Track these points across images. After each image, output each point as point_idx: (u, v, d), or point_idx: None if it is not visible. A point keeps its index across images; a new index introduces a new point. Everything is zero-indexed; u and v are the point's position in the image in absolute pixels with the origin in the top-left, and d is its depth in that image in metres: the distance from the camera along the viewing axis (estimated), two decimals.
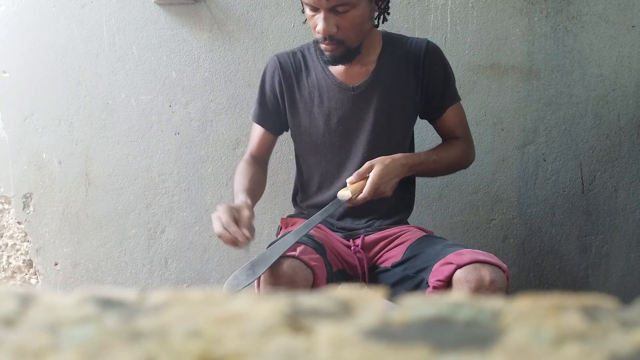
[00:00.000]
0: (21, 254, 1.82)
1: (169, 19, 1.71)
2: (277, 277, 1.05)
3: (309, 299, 0.33)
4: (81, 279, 1.80)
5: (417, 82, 1.30)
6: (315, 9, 1.18)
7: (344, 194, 1.18)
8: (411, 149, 1.40)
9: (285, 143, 1.47)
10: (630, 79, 1.67)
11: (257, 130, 1.39)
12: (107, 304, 0.33)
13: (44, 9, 1.73)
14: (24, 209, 1.79)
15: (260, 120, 1.38)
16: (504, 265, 1.07)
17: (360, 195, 1.16)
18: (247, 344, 0.28)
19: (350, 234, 1.32)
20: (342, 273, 1.26)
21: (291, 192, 1.47)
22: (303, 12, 1.25)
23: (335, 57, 1.23)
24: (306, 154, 1.37)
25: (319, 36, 1.20)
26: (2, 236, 1.82)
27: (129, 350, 0.27)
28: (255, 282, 1.09)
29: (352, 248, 1.28)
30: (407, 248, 1.22)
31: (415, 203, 1.42)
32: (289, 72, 1.34)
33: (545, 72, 1.67)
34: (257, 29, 1.69)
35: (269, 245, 1.19)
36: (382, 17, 1.32)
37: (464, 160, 1.35)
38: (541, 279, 1.74)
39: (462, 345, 0.27)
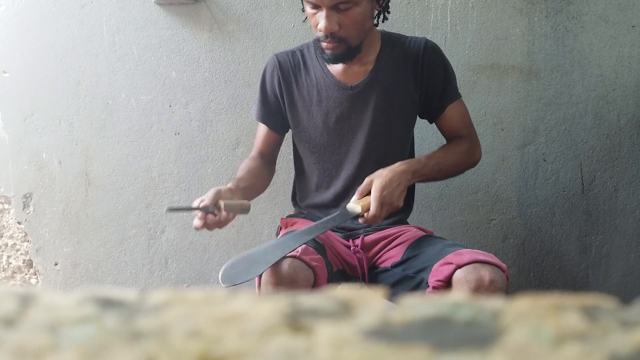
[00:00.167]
0: (21, 254, 1.82)
1: (169, 19, 1.71)
2: (278, 277, 1.05)
3: (309, 299, 0.33)
4: (81, 279, 1.80)
5: (416, 81, 1.30)
6: (316, 7, 1.18)
7: (354, 207, 1.16)
8: (412, 151, 1.39)
9: (285, 143, 1.48)
10: (630, 79, 1.67)
11: (262, 129, 1.41)
12: (107, 304, 0.33)
13: (44, 9, 1.73)
14: (24, 209, 1.79)
15: (263, 119, 1.39)
16: (504, 265, 1.07)
17: (370, 213, 1.13)
18: (247, 344, 0.28)
19: (349, 234, 1.32)
20: (342, 273, 1.26)
21: (291, 192, 1.48)
22: (303, 10, 1.25)
23: (336, 56, 1.23)
24: (305, 152, 1.37)
25: (320, 34, 1.20)
26: (2, 236, 1.82)
27: (129, 350, 0.27)
28: (256, 281, 1.09)
29: (351, 248, 1.28)
30: (407, 248, 1.22)
31: (415, 203, 1.42)
32: (288, 71, 1.34)
33: (545, 72, 1.67)
34: (257, 29, 1.69)
35: None
36: (382, 16, 1.32)
37: (470, 159, 1.32)
38: (541, 279, 1.74)
39: (462, 345, 0.27)
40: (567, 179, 1.71)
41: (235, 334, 0.29)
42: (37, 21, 1.74)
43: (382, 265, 1.26)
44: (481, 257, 1.06)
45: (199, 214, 1.10)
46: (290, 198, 1.48)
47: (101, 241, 1.78)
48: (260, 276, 1.07)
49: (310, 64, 1.34)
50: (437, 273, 1.09)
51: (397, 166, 1.19)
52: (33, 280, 1.83)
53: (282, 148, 1.48)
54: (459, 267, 1.06)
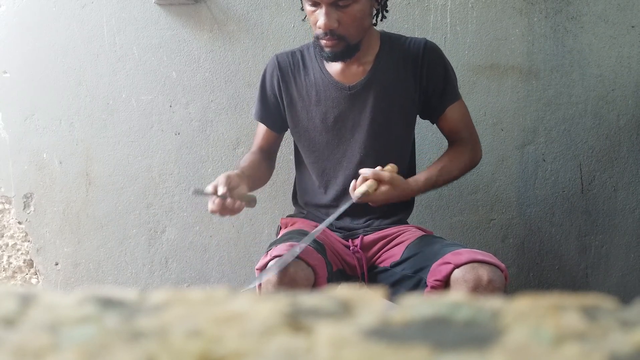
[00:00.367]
0: (22, 253, 1.82)
1: (169, 19, 1.71)
2: (278, 276, 1.05)
3: (309, 299, 0.33)
4: (82, 278, 1.80)
5: (415, 81, 1.30)
6: (316, 4, 1.18)
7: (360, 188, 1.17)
8: (412, 151, 1.39)
9: (285, 143, 1.48)
10: (630, 79, 1.67)
11: (261, 128, 1.42)
12: (108, 303, 0.33)
13: (44, 9, 1.73)
14: (24, 208, 1.80)
15: (262, 119, 1.40)
16: (502, 265, 1.07)
17: (361, 171, 1.17)
18: (247, 344, 0.28)
19: (349, 233, 1.32)
20: (341, 273, 1.26)
21: (291, 192, 1.48)
22: (302, 9, 1.25)
23: (335, 53, 1.23)
24: (305, 152, 1.37)
25: (319, 32, 1.20)
26: (2, 236, 1.82)
27: (129, 350, 0.27)
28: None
29: (350, 248, 1.28)
30: (406, 248, 1.22)
31: (415, 203, 1.42)
32: (287, 71, 1.34)
33: (545, 72, 1.67)
34: (257, 29, 1.69)
35: (271, 244, 1.19)
36: (380, 15, 1.32)
37: (471, 165, 1.33)
38: (541, 279, 1.74)
39: (462, 345, 0.27)
40: (566, 179, 1.71)
41: (236, 334, 0.29)
42: (38, 21, 1.74)
43: (382, 265, 1.26)
44: (479, 257, 1.06)
45: (215, 199, 1.13)
46: (290, 198, 1.48)
47: (102, 241, 1.78)
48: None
49: (310, 64, 1.34)
50: (435, 273, 1.10)
51: (406, 187, 1.21)
52: (33, 280, 1.83)
53: (282, 147, 1.48)
54: (457, 266, 1.06)
